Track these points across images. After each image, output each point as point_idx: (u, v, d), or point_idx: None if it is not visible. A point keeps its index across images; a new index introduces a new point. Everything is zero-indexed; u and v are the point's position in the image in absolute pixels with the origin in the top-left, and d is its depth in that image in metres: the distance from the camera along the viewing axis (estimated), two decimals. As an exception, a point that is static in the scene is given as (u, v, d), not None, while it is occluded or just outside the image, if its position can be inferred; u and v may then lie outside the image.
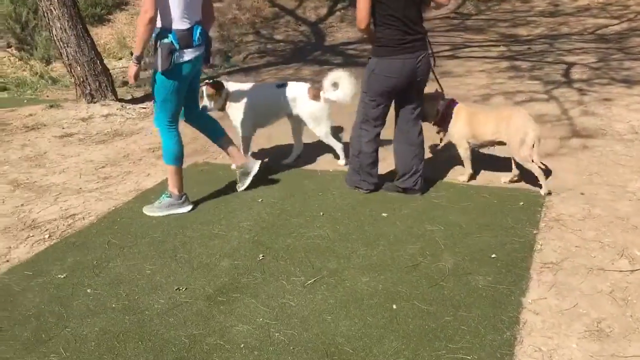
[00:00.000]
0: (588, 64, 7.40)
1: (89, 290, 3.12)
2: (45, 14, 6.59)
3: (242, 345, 2.65)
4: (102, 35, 10.79)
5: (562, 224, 3.56)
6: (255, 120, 4.66)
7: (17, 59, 9.90)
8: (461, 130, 4.13)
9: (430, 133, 4.35)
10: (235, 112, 4.60)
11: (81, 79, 6.79)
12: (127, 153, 5.37)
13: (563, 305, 2.80)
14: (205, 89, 4.37)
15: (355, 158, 4.11)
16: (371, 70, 3.84)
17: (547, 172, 4.20)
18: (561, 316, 2.72)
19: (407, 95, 3.96)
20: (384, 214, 3.85)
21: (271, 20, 11.99)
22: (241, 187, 4.32)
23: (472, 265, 3.17)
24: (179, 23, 3.58)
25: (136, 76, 3.68)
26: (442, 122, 4.22)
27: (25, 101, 7.64)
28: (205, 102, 4.38)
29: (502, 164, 4.38)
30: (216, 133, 4.29)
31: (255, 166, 4.28)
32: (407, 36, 3.73)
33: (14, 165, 5.10)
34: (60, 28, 6.54)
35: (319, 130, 4.62)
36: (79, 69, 6.70)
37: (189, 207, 4.07)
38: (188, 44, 3.64)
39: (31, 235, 3.80)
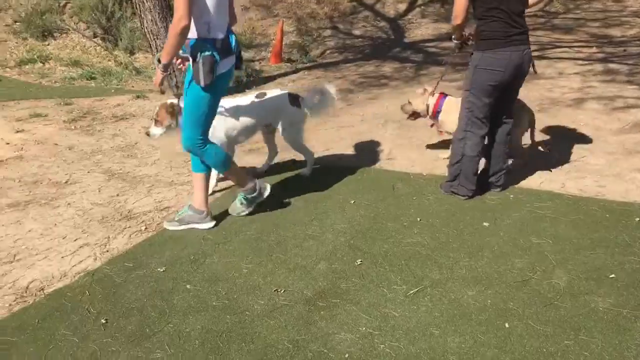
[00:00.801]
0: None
1: (188, 286, 3.11)
2: (137, 6, 6.72)
3: (346, 355, 2.56)
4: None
5: (684, 245, 3.29)
6: (235, 139, 4.23)
7: (102, 49, 10.19)
8: (454, 119, 4.18)
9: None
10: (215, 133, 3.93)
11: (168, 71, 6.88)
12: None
13: (697, 336, 2.56)
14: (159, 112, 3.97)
15: (456, 164, 3.95)
16: (475, 66, 3.71)
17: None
18: (696, 349, 2.49)
19: (505, 94, 3.82)
20: (485, 224, 3.67)
21: (349, 15, 11.87)
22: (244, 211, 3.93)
23: (588, 285, 2.96)
24: (217, 32, 3.29)
25: (161, 82, 3.43)
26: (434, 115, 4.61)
27: (112, 91, 7.84)
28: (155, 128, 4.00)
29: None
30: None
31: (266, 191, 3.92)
32: (513, 29, 3.62)
33: (107, 155, 5.20)
34: (152, 20, 6.66)
35: (296, 138, 4.39)
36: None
37: (211, 224, 3.78)
38: (227, 53, 3.37)
39: (128, 226, 3.84)
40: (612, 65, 7.60)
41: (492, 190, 4.12)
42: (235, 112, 4.12)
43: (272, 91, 4.37)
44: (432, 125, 4.88)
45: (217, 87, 3.41)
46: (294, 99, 4.31)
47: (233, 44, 3.45)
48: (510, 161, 4.23)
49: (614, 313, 2.73)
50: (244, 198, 3.85)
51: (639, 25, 9.82)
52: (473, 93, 3.77)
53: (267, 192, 3.89)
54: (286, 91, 4.40)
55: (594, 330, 2.62)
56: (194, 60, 3.26)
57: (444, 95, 4.63)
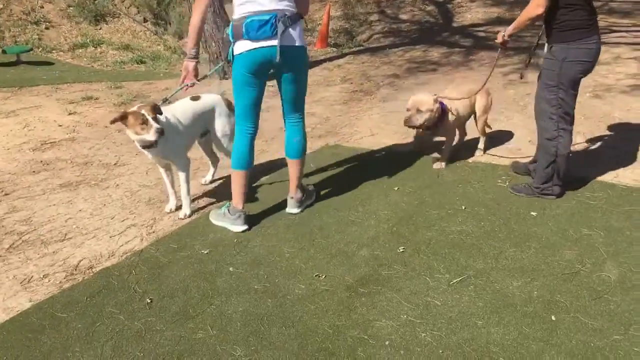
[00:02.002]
0: None
1: (231, 269, 3.15)
2: (186, -9, 6.78)
3: (387, 343, 2.54)
4: (229, 13, 11.06)
5: None
6: (186, 143, 3.84)
7: (152, 34, 10.38)
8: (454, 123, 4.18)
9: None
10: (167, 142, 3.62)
11: (215, 56, 6.95)
12: (261, 131, 5.39)
13: None
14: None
15: (551, 165, 3.69)
16: (562, 59, 3.46)
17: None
18: None
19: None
20: (532, 213, 3.57)
21: (397, 0, 11.71)
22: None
23: (641, 279, 2.85)
24: (235, 13, 3.25)
25: None
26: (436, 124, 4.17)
27: (161, 75, 7.98)
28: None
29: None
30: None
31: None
32: (593, 16, 3.43)
33: (155, 138, 5.29)
34: (199, 5, 6.70)
35: (229, 146, 3.95)
36: (214, 45, 6.87)
37: (242, 228, 3.57)
38: (238, 35, 3.23)
39: (174, 208, 3.91)
40: (673, 51, 7.26)
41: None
42: (179, 118, 3.74)
43: (206, 95, 4.02)
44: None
45: (236, 70, 3.34)
46: (229, 104, 4.00)
47: (256, 28, 3.18)
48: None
49: (668, 309, 2.62)
50: (226, 209, 3.63)
51: None
52: (563, 88, 3.53)
53: (237, 228, 3.56)
54: (219, 95, 4.12)
55: (645, 326, 2.53)
56: None
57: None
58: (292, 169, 3.69)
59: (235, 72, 3.35)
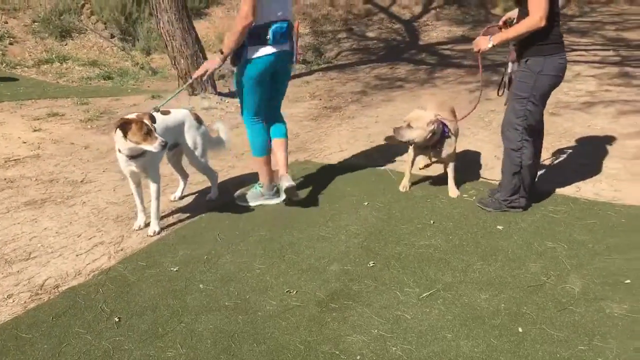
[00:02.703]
0: None
1: (201, 286, 3.13)
2: (154, 6, 6.76)
3: (358, 357, 2.55)
4: (198, 29, 11.04)
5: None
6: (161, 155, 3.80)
7: (119, 50, 10.28)
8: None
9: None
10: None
11: (184, 72, 6.94)
12: (233, 145, 5.38)
13: None
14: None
15: (515, 176, 3.76)
16: (537, 72, 3.52)
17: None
18: None
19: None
20: (499, 227, 3.65)
21: (364, 17, 11.88)
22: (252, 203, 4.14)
23: (603, 290, 2.93)
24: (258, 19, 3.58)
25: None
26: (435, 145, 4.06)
27: (128, 91, 7.91)
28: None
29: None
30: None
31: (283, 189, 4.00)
32: (561, 33, 3.57)
33: (122, 154, 5.24)
34: (168, 21, 6.70)
35: (201, 160, 4.09)
36: (182, 62, 6.86)
37: (281, 199, 4.10)
38: (257, 41, 3.64)
39: (142, 225, 3.87)
40: (628, 69, 7.53)
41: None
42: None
43: (175, 110, 3.99)
44: (427, 166, 4.63)
45: (246, 71, 3.75)
46: (197, 117, 4.10)
47: (270, 34, 3.62)
48: None
49: (630, 319, 2.70)
50: (259, 188, 4.12)
51: (657, 29, 9.71)
52: (533, 101, 3.59)
53: (278, 200, 4.13)
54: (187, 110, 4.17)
55: (608, 336, 2.59)
56: None
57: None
58: (282, 148, 4.08)
59: (251, 72, 3.74)
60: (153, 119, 3.43)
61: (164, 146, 3.35)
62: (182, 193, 4.34)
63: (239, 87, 3.89)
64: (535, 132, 3.73)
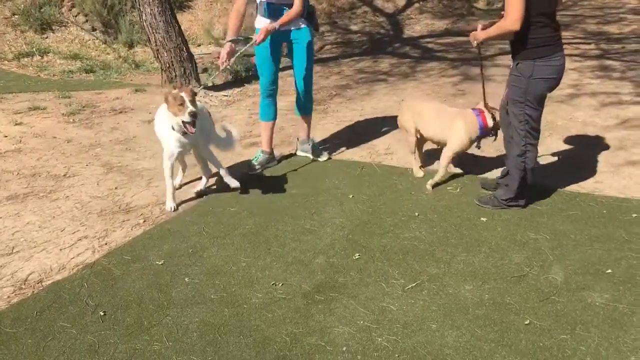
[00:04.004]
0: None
1: (186, 279, 3.12)
2: (137, -1, 6.69)
3: (344, 349, 2.57)
4: (182, 21, 10.95)
5: (681, 241, 3.31)
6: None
7: (101, 43, 10.16)
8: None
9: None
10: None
11: (167, 65, 6.89)
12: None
13: (692, 331, 2.58)
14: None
15: (521, 180, 3.73)
16: (528, 77, 3.46)
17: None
18: (691, 344, 2.50)
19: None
20: (483, 219, 3.68)
21: (347, 11, 11.85)
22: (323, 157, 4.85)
23: (585, 280, 2.97)
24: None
25: None
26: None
27: (111, 84, 7.82)
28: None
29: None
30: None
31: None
32: (557, 32, 3.44)
33: (106, 148, 5.20)
34: (150, 13, 6.64)
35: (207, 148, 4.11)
36: (165, 54, 6.80)
37: (275, 162, 4.74)
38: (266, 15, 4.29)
39: (127, 219, 3.85)
40: (608, 62, 7.61)
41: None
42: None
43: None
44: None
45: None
46: (209, 114, 4.19)
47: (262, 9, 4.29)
48: None
49: (610, 308, 2.74)
50: (260, 155, 4.67)
51: (637, 22, 9.82)
52: (529, 105, 3.56)
53: (275, 162, 4.75)
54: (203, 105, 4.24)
55: (590, 325, 2.64)
56: None
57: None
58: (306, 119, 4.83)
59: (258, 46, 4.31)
60: (194, 94, 3.62)
61: (193, 116, 3.51)
62: (180, 182, 4.39)
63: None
64: (536, 136, 3.69)
